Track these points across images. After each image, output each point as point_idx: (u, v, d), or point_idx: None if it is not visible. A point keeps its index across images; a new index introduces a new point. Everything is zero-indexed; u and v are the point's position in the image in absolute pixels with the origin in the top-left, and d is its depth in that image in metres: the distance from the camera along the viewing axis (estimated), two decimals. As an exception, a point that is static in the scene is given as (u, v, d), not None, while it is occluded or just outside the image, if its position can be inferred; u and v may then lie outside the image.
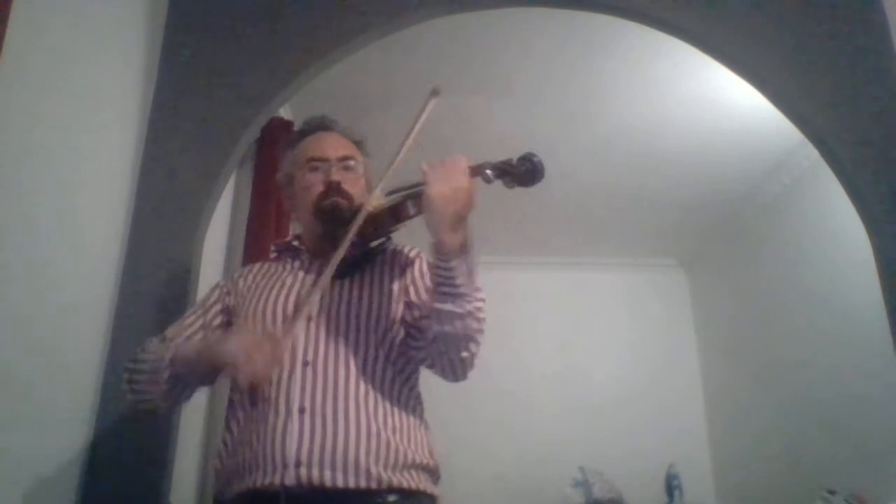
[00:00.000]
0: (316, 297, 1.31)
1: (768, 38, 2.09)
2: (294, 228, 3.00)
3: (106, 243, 1.79)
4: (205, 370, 1.29)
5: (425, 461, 1.31)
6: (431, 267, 1.26)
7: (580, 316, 4.67)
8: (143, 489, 1.68)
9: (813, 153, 2.31)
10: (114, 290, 1.80)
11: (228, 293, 1.47)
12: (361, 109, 2.81)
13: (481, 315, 1.27)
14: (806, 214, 3.56)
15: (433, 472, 1.33)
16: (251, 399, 1.29)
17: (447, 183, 1.19)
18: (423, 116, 1.35)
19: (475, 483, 4.01)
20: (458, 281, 1.21)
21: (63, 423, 1.60)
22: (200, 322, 1.43)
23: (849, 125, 1.99)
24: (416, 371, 1.39)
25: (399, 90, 2.92)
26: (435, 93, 1.36)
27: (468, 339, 1.26)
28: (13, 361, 1.39)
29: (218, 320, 1.44)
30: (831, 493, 2.98)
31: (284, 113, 2.76)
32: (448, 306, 1.23)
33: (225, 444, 1.32)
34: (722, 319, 4.46)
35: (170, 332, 1.42)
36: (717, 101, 3.11)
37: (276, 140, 2.60)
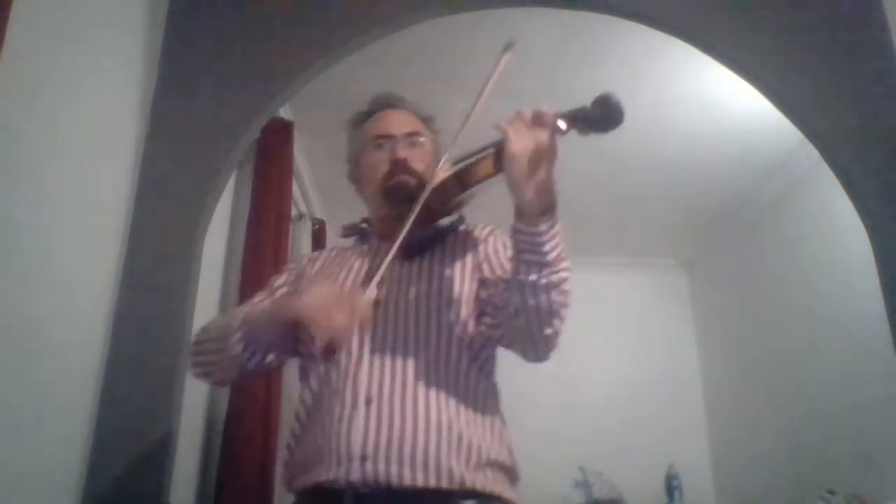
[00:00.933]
0: (384, 267, 1.20)
1: (768, 39, 2.09)
2: (294, 228, 3.01)
3: (106, 243, 1.79)
4: (278, 329, 1.22)
5: (503, 458, 1.22)
6: (514, 233, 1.13)
7: (580, 316, 4.61)
8: (143, 489, 1.68)
9: (813, 153, 2.30)
10: (114, 289, 1.80)
11: (298, 277, 1.43)
12: (361, 110, 2.80)
13: (567, 287, 1.15)
14: (806, 214, 3.56)
15: (511, 472, 1.25)
16: (326, 361, 1.21)
17: (530, 137, 1.08)
18: (496, 74, 1.25)
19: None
20: (546, 248, 1.10)
21: (63, 423, 1.60)
22: (268, 302, 1.38)
23: (849, 125, 1.99)
24: (492, 356, 1.31)
25: (400, 90, 2.91)
26: (508, 45, 1.25)
27: (553, 313, 1.15)
28: (13, 361, 1.38)
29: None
30: (831, 493, 2.98)
31: (284, 113, 2.76)
32: (533, 276, 1.11)
33: (293, 435, 1.28)
34: (722, 319, 4.46)
35: (237, 308, 1.37)
36: (717, 101, 3.11)
37: (276, 140, 2.60)
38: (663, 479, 4.07)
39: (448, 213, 1.31)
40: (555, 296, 1.14)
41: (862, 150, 1.97)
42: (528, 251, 1.11)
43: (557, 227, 1.11)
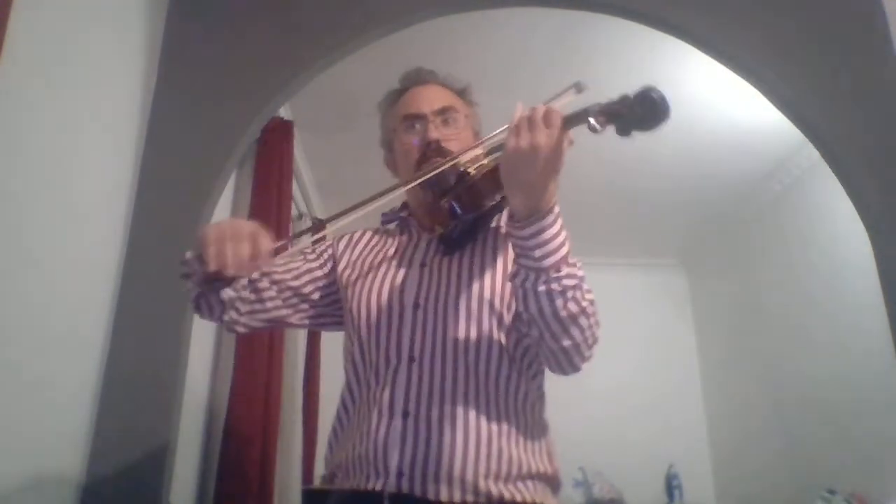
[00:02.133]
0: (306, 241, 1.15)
1: (768, 38, 2.09)
2: (294, 228, 3.01)
3: (106, 243, 1.79)
4: (194, 258, 1.14)
5: (543, 469, 1.18)
6: (507, 236, 1.08)
7: (580, 316, 4.66)
8: (143, 489, 1.68)
9: (813, 153, 2.31)
10: (114, 289, 1.80)
11: (332, 257, 1.37)
12: (362, 109, 2.80)
13: (578, 294, 1.06)
14: (806, 214, 3.56)
15: (552, 481, 1.21)
16: (203, 287, 1.15)
17: (527, 137, 1.00)
18: (559, 101, 1.11)
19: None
20: (537, 253, 1.02)
21: (63, 423, 1.60)
22: (305, 266, 1.34)
23: (849, 125, 1.99)
24: (538, 359, 1.21)
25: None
26: (579, 88, 1.12)
27: (564, 322, 1.06)
28: (13, 361, 1.39)
29: (322, 272, 1.34)
30: (831, 493, 2.98)
31: (284, 113, 2.76)
32: (529, 283, 1.04)
33: (335, 431, 1.25)
34: (722, 319, 4.46)
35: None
36: (717, 101, 3.11)
37: (277, 140, 2.60)
38: (663, 479, 4.07)
39: (488, 202, 1.18)
40: (560, 303, 1.04)
41: (862, 150, 1.97)
42: (521, 255, 1.05)
43: (551, 232, 1.03)
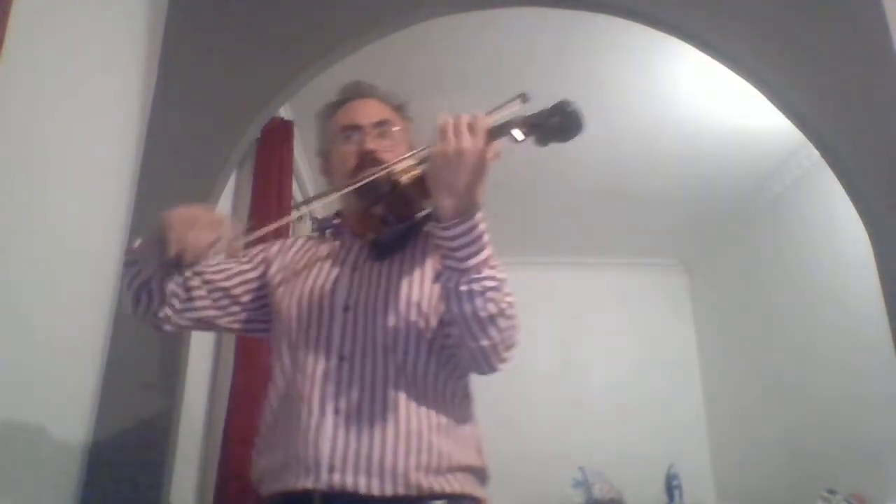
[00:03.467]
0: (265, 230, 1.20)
1: (768, 38, 2.09)
2: (294, 229, 3.01)
3: (106, 243, 1.79)
4: (153, 241, 1.15)
5: (471, 462, 1.22)
6: (434, 237, 1.13)
7: (580, 315, 4.67)
8: (142, 489, 1.68)
9: (813, 153, 2.31)
10: (114, 289, 1.80)
11: (264, 261, 1.39)
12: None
13: (498, 296, 1.10)
14: (806, 214, 3.56)
15: (480, 474, 1.24)
16: (164, 267, 1.18)
17: (453, 143, 1.05)
18: (505, 110, 1.17)
19: (475, 483, 4.01)
20: (461, 253, 1.07)
21: (63, 423, 1.60)
22: (237, 268, 1.35)
23: (849, 125, 2.00)
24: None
25: (400, 90, 2.91)
26: (523, 98, 1.18)
27: (483, 322, 1.10)
28: (13, 361, 1.39)
29: (254, 274, 1.36)
30: (831, 493, 2.98)
31: (284, 113, 2.76)
32: (452, 283, 1.09)
33: (261, 435, 1.26)
34: (722, 319, 4.46)
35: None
36: (717, 101, 3.11)
37: (277, 140, 2.60)
38: (663, 479, 4.07)
39: (418, 209, 1.24)
40: (479, 303, 1.09)
41: (862, 150, 1.97)
42: (446, 256, 1.09)
43: (475, 234, 1.07)
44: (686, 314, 4.81)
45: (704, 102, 3.12)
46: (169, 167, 1.94)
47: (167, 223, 1.10)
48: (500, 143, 1.09)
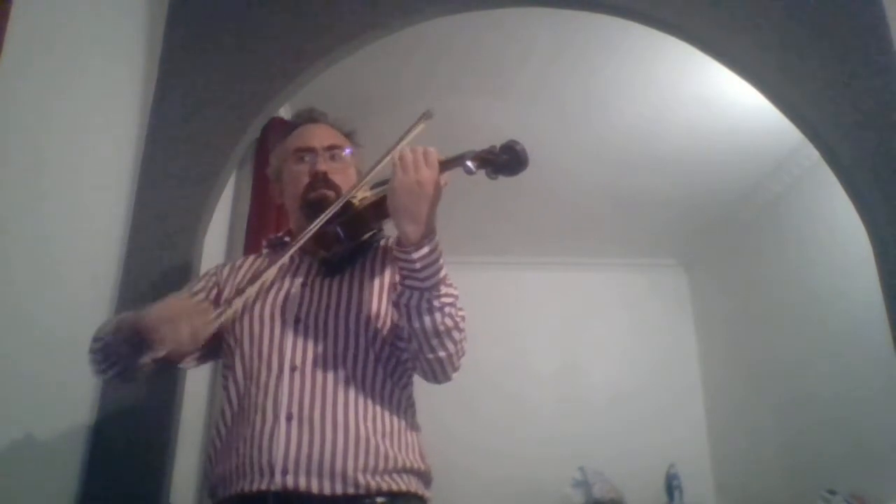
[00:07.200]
0: (272, 273, 1.30)
1: (768, 38, 2.09)
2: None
3: (106, 243, 1.79)
4: (129, 337, 1.23)
5: (416, 465, 1.28)
6: (395, 260, 1.22)
7: (580, 316, 4.68)
8: (143, 489, 1.68)
9: (813, 153, 2.31)
10: (114, 289, 1.80)
11: (216, 285, 1.45)
12: (361, 110, 2.80)
13: (454, 311, 1.23)
14: (806, 214, 3.56)
15: (424, 476, 1.31)
16: (166, 365, 1.29)
17: (413, 174, 1.17)
18: (411, 136, 1.31)
19: (475, 483, 4.01)
20: (423, 274, 1.18)
21: (63, 423, 1.60)
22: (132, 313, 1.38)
23: (849, 125, 1.99)
24: (408, 371, 1.36)
25: (399, 90, 2.92)
26: (427, 116, 1.33)
27: (441, 336, 1.22)
28: (13, 361, 1.39)
29: (209, 300, 1.41)
30: (831, 493, 2.98)
31: (284, 113, 2.76)
32: (414, 301, 1.20)
33: (214, 446, 1.31)
34: (722, 319, 4.46)
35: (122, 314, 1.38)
36: (717, 101, 3.11)
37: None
38: (663, 479, 4.07)
39: (369, 230, 1.35)
40: (439, 318, 1.20)
41: (862, 150, 1.97)
42: (407, 277, 1.19)
43: (435, 256, 1.19)
44: (686, 314, 4.81)
45: (704, 102, 3.12)
46: (169, 167, 1.94)
47: (151, 327, 1.17)
48: (450, 174, 1.21)
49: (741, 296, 4.22)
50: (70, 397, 1.63)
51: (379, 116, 2.48)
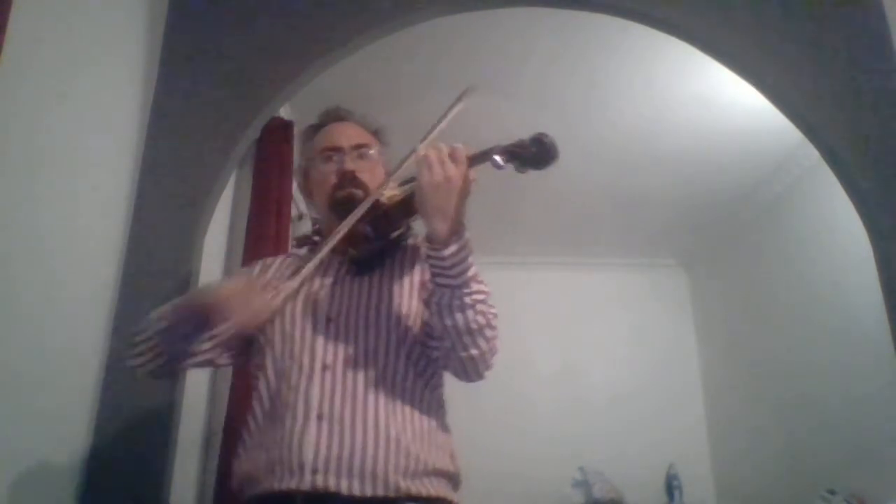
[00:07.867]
0: (311, 268, 1.30)
1: (768, 38, 2.09)
2: (294, 229, 3.01)
3: (106, 243, 1.79)
4: (192, 315, 1.27)
5: (445, 467, 1.28)
6: (426, 258, 1.22)
7: (580, 316, 4.67)
8: (143, 489, 1.68)
9: (813, 153, 2.30)
10: (114, 290, 1.80)
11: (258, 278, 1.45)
12: (361, 110, 2.80)
13: (486, 308, 1.22)
14: (806, 214, 3.56)
15: (453, 478, 1.31)
16: (238, 336, 1.32)
17: (440, 171, 1.16)
18: (451, 114, 1.30)
19: (475, 483, 4.00)
20: (453, 271, 1.17)
21: (63, 424, 1.60)
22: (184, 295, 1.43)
23: (849, 125, 1.99)
24: (438, 372, 1.35)
25: (400, 90, 2.92)
26: (468, 92, 1.32)
27: (473, 333, 1.21)
28: (13, 361, 1.39)
29: None
30: (831, 493, 2.98)
31: (284, 113, 2.76)
32: (445, 299, 1.19)
33: (243, 443, 1.31)
34: (722, 319, 4.46)
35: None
36: (717, 101, 3.11)
37: (277, 140, 2.60)
38: (663, 479, 4.07)
39: (398, 228, 1.35)
40: (471, 316, 1.19)
41: (862, 150, 1.97)
42: (438, 275, 1.19)
43: (465, 253, 1.18)
44: (686, 314, 4.81)
45: (704, 102, 3.12)
46: (169, 167, 1.94)
47: (222, 300, 1.22)
48: (475, 172, 1.19)
49: (741, 296, 4.22)
50: (70, 397, 1.63)
51: (379, 116, 2.47)
